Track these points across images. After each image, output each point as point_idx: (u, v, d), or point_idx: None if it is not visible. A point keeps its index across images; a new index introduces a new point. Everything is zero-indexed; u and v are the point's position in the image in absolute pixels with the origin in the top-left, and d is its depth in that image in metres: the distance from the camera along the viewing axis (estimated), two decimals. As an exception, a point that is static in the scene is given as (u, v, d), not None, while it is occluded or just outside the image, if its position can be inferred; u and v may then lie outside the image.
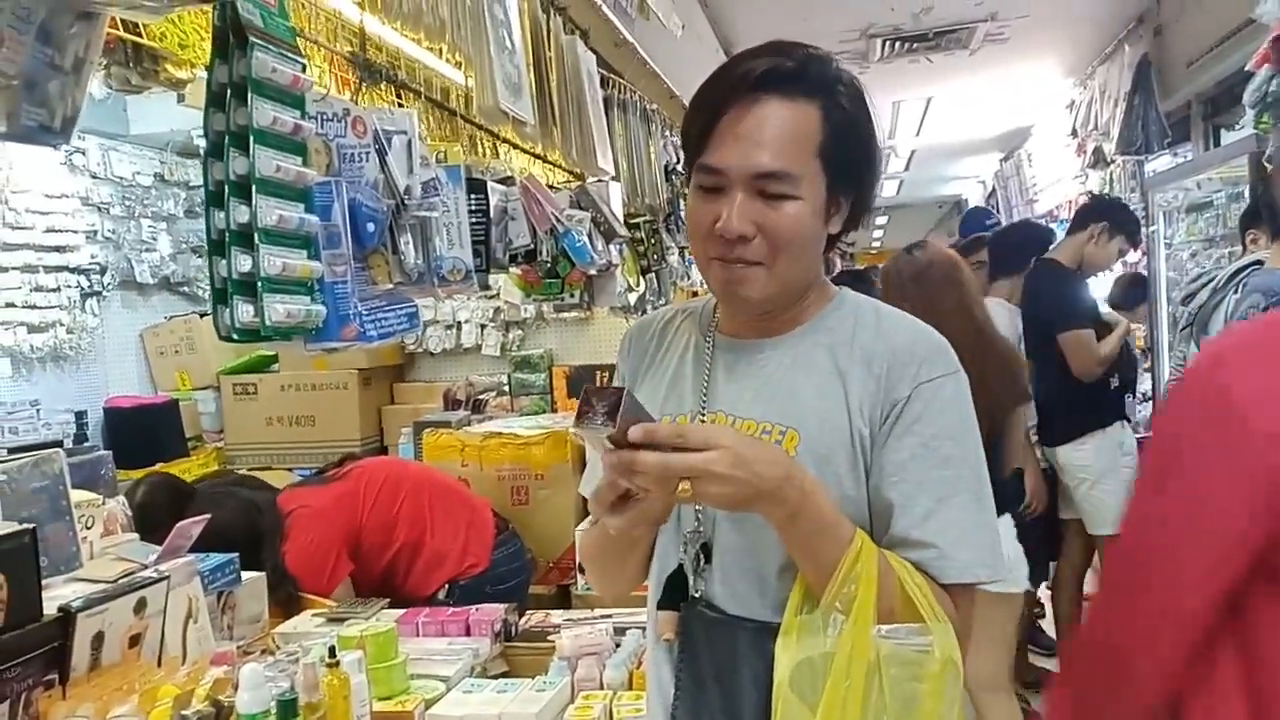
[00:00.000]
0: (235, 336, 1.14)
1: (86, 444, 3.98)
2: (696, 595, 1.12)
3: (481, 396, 4.17)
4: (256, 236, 1.14)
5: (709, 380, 1.16)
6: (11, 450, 3.47)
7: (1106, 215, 3.70)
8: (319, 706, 1.49)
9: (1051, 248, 3.78)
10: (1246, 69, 3.35)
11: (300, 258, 1.18)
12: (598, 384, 4.20)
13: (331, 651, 1.58)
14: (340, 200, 1.24)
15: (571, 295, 2.40)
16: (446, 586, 2.55)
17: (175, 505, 2.62)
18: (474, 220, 1.62)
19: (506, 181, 1.77)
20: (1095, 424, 3.50)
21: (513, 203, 1.77)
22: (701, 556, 1.12)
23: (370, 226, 1.28)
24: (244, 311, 1.13)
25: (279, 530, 2.43)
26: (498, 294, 4.22)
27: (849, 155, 1.10)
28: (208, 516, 2.25)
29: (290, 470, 3.71)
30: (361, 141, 1.31)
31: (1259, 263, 2.63)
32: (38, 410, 3.93)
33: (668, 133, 3.21)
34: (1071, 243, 3.69)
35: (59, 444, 3.76)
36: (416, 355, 4.61)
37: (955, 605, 1.04)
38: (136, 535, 2.38)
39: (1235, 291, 2.61)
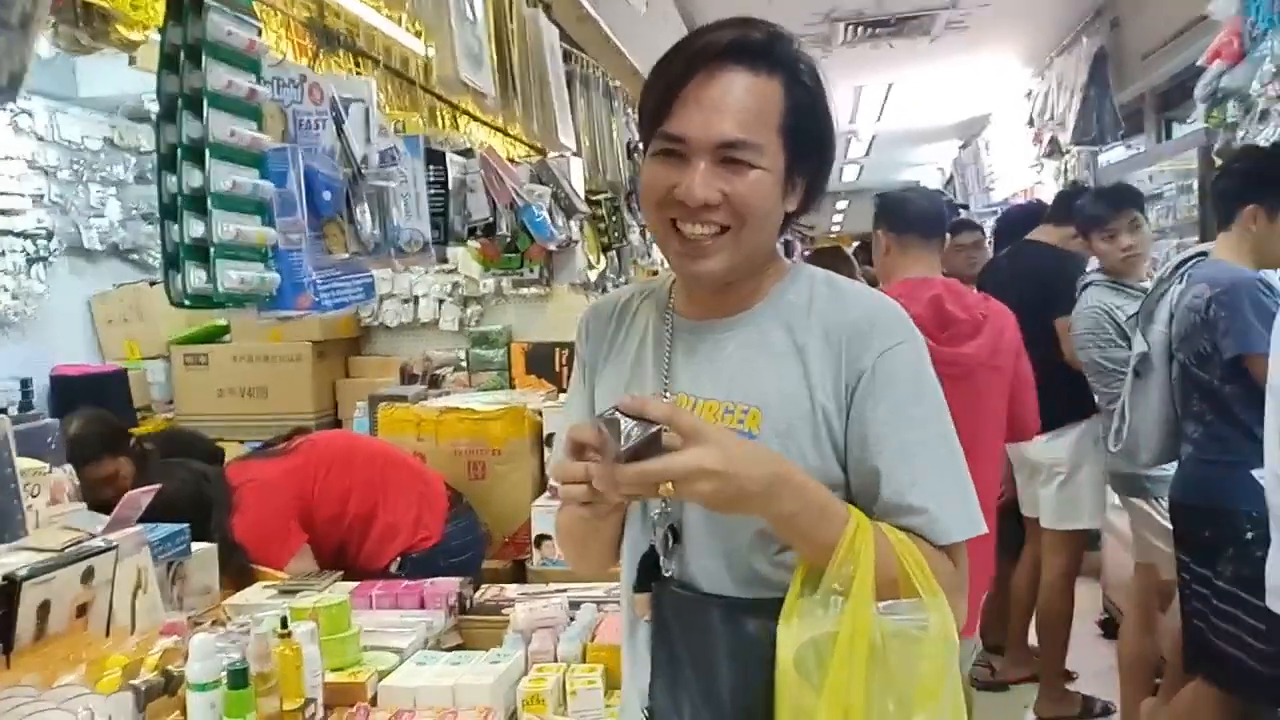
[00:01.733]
0: (187, 303, 1.12)
1: (32, 412, 3.89)
2: (668, 575, 1.13)
3: (439, 371, 4.15)
4: (209, 201, 1.12)
5: (669, 363, 1.17)
6: (-47, 417, 3.38)
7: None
8: (270, 676, 1.49)
9: (1032, 233, 3.75)
10: (1198, 64, 3.42)
11: (254, 224, 1.17)
12: (556, 361, 4.22)
13: (284, 622, 1.58)
14: (295, 167, 1.22)
15: (531, 270, 2.39)
16: (399, 559, 2.54)
17: (110, 440, 2.62)
18: (432, 192, 1.60)
19: (466, 154, 1.76)
20: (1078, 414, 3.44)
21: (472, 175, 1.76)
22: (670, 536, 1.13)
23: (326, 195, 1.27)
24: (196, 277, 1.12)
25: (227, 502, 2.41)
26: (456, 268, 4.19)
27: (808, 133, 1.10)
28: (157, 487, 2.22)
29: (242, 443, 3.66)
30: (318, 108, 1.29)
31: (1204, 254, 2.69)
32: (-20, 377, 3.84)
33: (630, 110, 3.19)
34: (1055, 232, 3.66)
35: (3, 411, 3.69)
36: (372, 329, 4.56)
37: (952, 558, 1.07)
38: (84, 504, 2.34)
39: (1180, 282, 2.66)
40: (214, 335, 4.32)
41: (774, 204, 1.10)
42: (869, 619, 0.99)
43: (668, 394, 1.15)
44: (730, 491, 0.96)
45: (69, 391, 4.16)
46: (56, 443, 2.65)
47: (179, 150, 1.13)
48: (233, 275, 1.12)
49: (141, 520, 2.23)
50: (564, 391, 3.98)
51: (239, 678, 1.43)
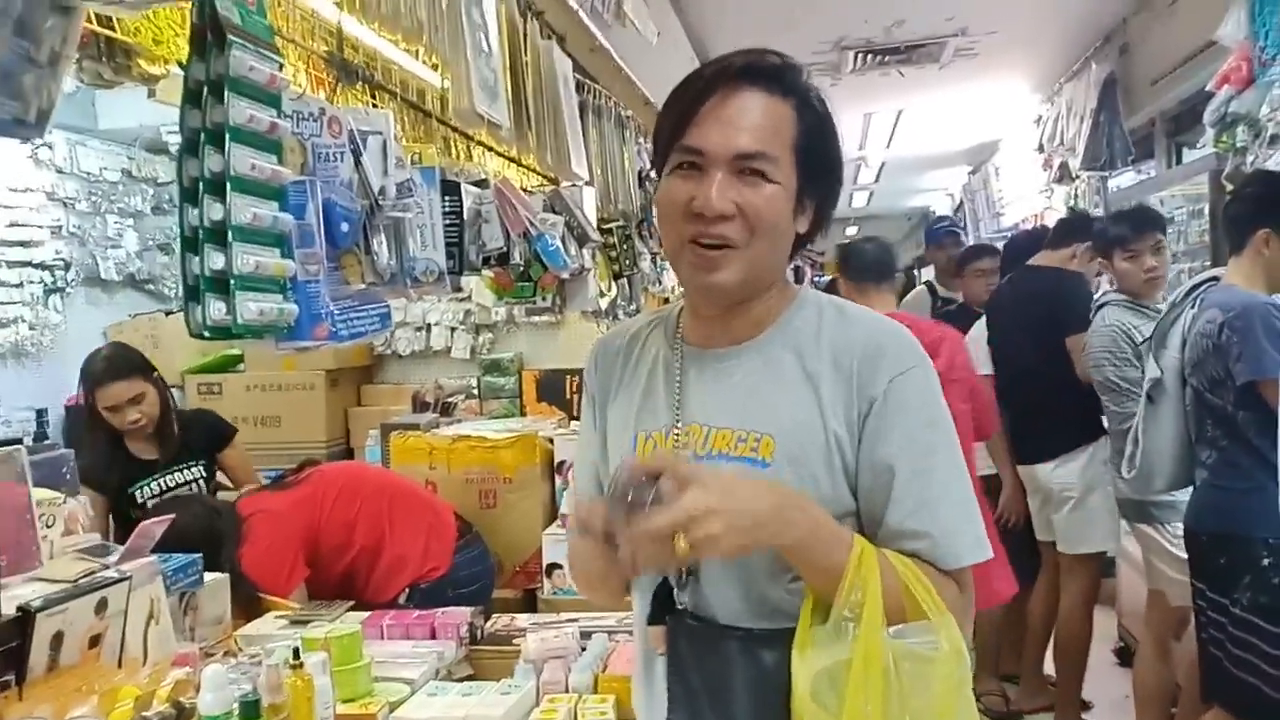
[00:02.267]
0: (206, 334, 1.13)
1: (47, 442, 3.92)
2: (682, 608, 1.13)
3: (450, 399, 4.16)
4: (230, 234, 1.13)
5: (680, 392, 1.18)
6: (-31, 447, 3.41)
7: (1089, 235, 3.64)
8: (282, 708, 1.48)
9: (1032, 259, 3.73)
10: (1207, 89, 3.43)
11: (273, 256, 1.18)
12: (567, 389, 4.22)
13: (296, 653, 1.57)
14: (314, 199, 1.23)
15: (543, 299, 2.40)
16: (408, 590, 2.54)
17: (137, 362, 2.90)
18: (448, 222, 1.62)
19: (481, 184, 1.77)
20: (1088, 437, 3.42)
21: (486, 205, 1.77)
22: (684, 569, 1.12)
23: (344, 226, 1.28)
24: (216, 309, 1.13)
25: (236, 534, 2.43)
26: (469, 296, 4.21)
27: (819, 156, 1.13)
28: (171, 517, 2.23)
29: (256, 471, 3.67)
30: (337, 141, 1.30)
31: (1216, 279, 2.68)
32: (-4, 407, 3.87)
33: (641, 139, 3.22)
34: (1052, 257, 3.65)
35: (19, 441, 3.71)
36: (385, 357, 4.59)
37: (959, 583, 1.09)
38: (98, 535, 2.35)
39: (1192, 307, 2.66)
40: (228, 365, 4.34)
41: (786, 220, 1.12)
42: (880, 644, 1.00)
43: (679, 423, 1.16)
44: (742, 525, 0.97)
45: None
46: (71, 472, 2.67)
47: (200, 184, 1.15)
48: (252, 307, 1.13)
49: (154, 552, 2.25)
50: (575, 419, 3.99)
51: (251, 709, 1.43)
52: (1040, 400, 3.54)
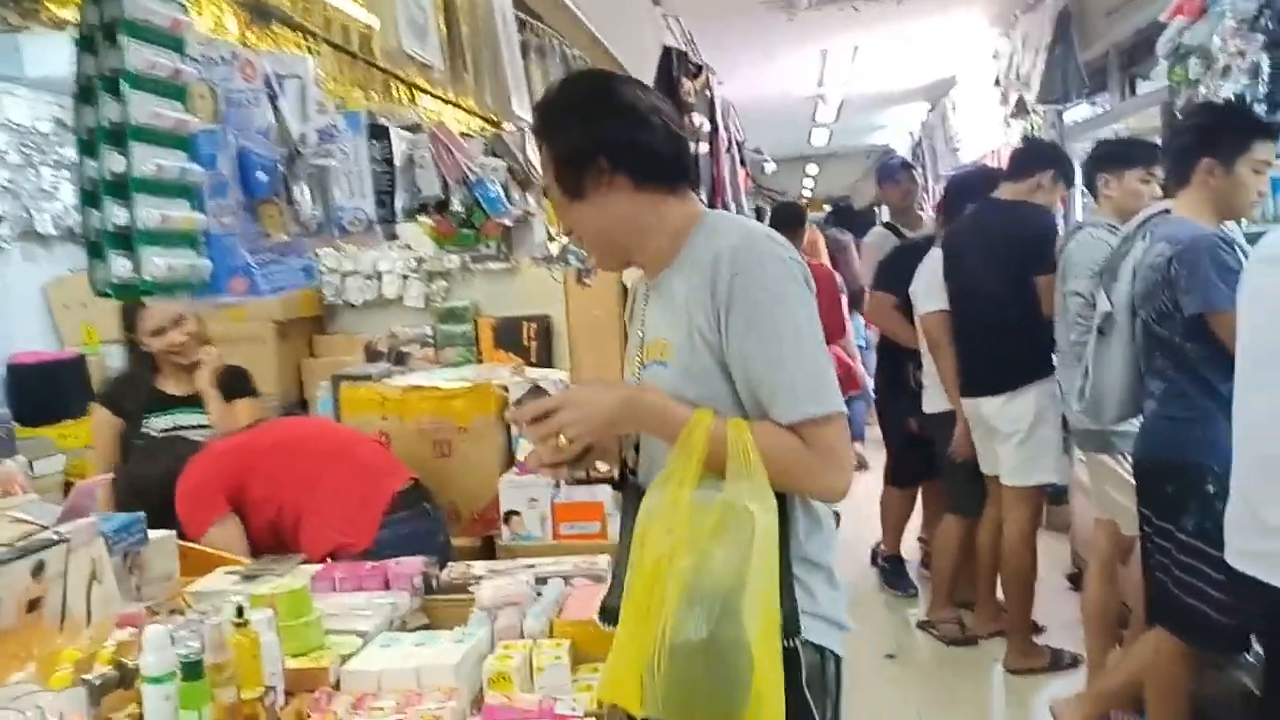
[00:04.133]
0: (110, 292, 1.08)
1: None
2: (632, 476, 1.56)
3: (404, 349, 4.10)
4: (132, 187, 1.07)
5: (644, 314, 1.55)
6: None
7: (1053, 163, 3.63)
8: (226, 666, 1.46)
9: (994, 193, 3.70)
10: (1160, 19, 3.40)
11: (182, 209, 1.12)
12: (524, 335, 4.18)
13: (239, 611, 1.55)
14: (227, 148, 1.17)
15: (488, 246, 2.34)
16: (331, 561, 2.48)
17: None
18: (378, 169, 1.55)
19: (414, 129, 1.70)
20: (1040, 372, 3.44)
21: (420, 151, 1.70)
22: (635, 449, 1.56)
23: (261, 175, 1.22)
24: (121, 266, 1.07)
25: None
26: (409, 245, 4.12)
27: (565, 143, 1.45)
28: (109, 477, 2.20)
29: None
30: (251, 86, 1.23)
31: (1166, 211, 2.69)
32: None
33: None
34: (1014, 189, 3.61)
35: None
36: (337, 307, 4.50)
37: (802, 440, 1.36)
38: (36, 496, 2.30)
39: (1142, 239, 2.67)
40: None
41: (588, 214, 1.47)
42: (679, 497, 1.35)
43: (642, 334, 1.54)
44: (595, 423, 1.39)
45: (26, 380, 4.08)
46: (6, 433, 2.62)
47: (98, 133, 1.08)
48: (159, 263, 1.07)
49: (123, 508, 2.23)
50: (533, 365, 3.96)
51: (193, 669, 1.41)
52: (994, 337, 3.56)
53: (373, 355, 3.99)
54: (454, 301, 4.35)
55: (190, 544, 2.43)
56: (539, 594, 2.01)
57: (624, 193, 1.45)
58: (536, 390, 1.40)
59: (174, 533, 2.23)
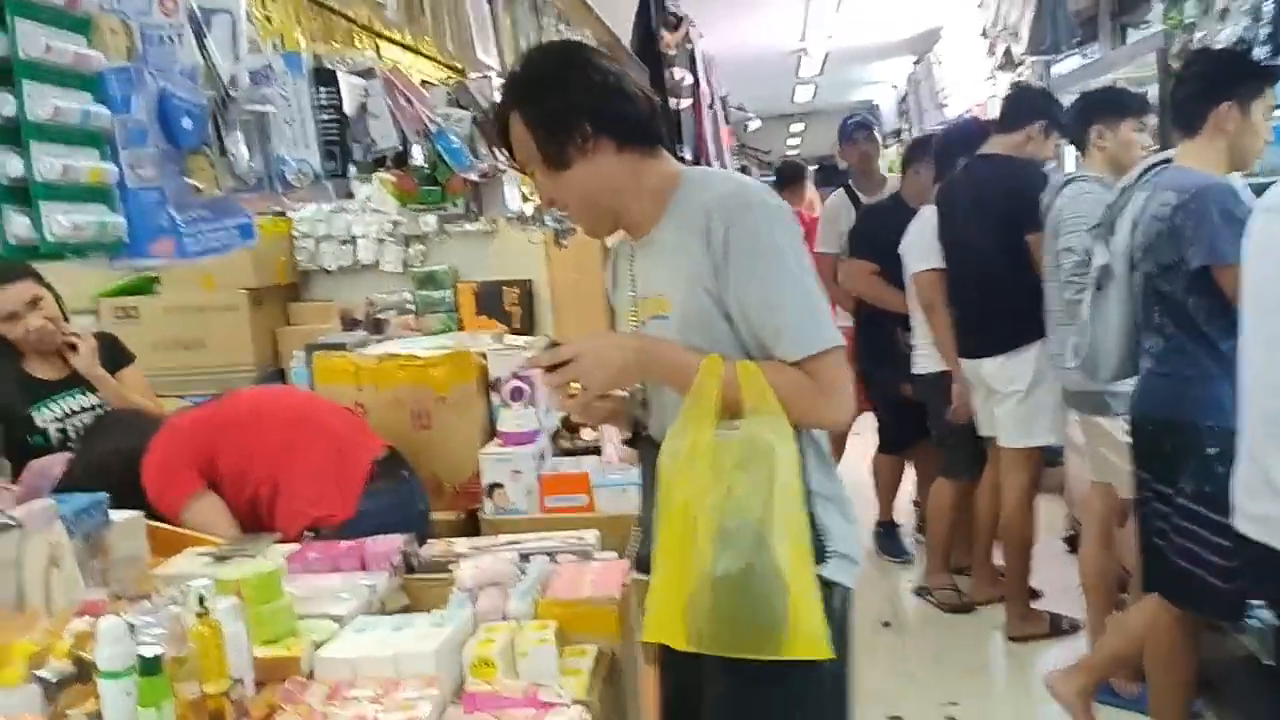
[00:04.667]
0: (6, 253, 0.95)
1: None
2: (644, 432, 1.64)
3: (382, 316, 3.98)
4: (26, 133, 0.94)
5: (632, 273, 1.62)
6: None
7: (1045, 112, 3.51)
8: (187, 659, 1.37)
9: (985, 146, 3.59)
10: (1156, -38, 3.29)
11: (89, 159, 0.99)
12: (506, 301, 4.07)
13: (201, 600, 1.45)
14: (144, 90, 1.03)
15: (454, 205, 2.21)
16: (313, 536, 2.38)
17: (26, 267, 2.60)
18: (325, 117, 1.42)
19: (366, 73, 1.57)
20: (1038, 332, 3.35)
21: (374, 99, 1.58)
22: (643, 406, 1.64)
23: (186, 122, 1.08)
24: (18, 224, 0.94)
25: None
26: (372, 208, 3.98)
27: (545, 112, 1.49)
28: (68, 455, 2.08)
29: (182, 398, 3.48)
30: (171, 21, 1.09)
31: (1167, 161, 2.59)
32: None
33: (563, 26, 2.97)
34: (1006, 142, 3.50)
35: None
36: (312, 273, 4.36)
37: (808, 373, 1.45)
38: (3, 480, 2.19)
39: (1143, 190, 2.57)
40: (143, 286, 4.10)
41: (570, 184, 1.51)
42: (701, 436, 1.42)
43: (633, 294, 1.61)
44: (607, 372, 1.47)
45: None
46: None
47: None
48: (63, 220, 0.94)
49: (95, 479, 2.10)
50: (516, 331, 3.85)
51: (151, 664, 1.31)
52: (991, 296, 3.48)
53: (350, 323, 3.88)
54: (432, 266, 4.22)
55: (160, 524, 2.33)
56: (523, 572, 1.92)
57: (607, 156, 1.50)
58: (555, 346, 1.46)
59: (142, 513, 2.12)
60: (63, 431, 2.65)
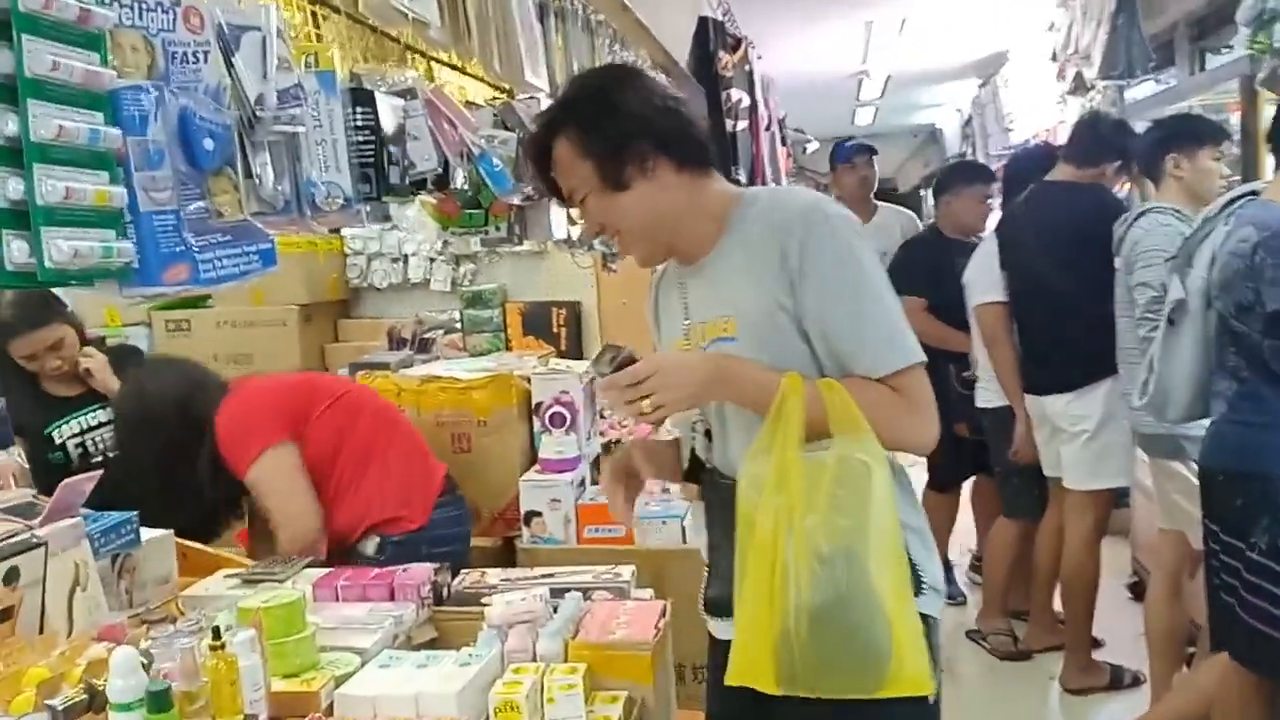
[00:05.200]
0: (2, 280, 0.91)
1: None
2: (709, 467, 1.53)
3: (429, 335, 3.96)
4: (29, 154, 0.90)
5: (684, 300, 1.55)
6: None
7: (1121, 152, 3.34)
8: (198, 695, 1.31)
9: (1053, 173, 3.43)
10: (1238, -15, 3.13)
11: (95, 181, 0.94)
12: (554, 322, 4.02)
13: (216, 633, 1.40)
14: (162, 109, 0.99)
15: (497, 228, 2.15)
16: (379, 541, 2.34)
17: (52, 303, 2.65)
18: (360, 138, 1.37)
19: (407, 94, 1.52)
20: (1109, 369, 3.17)
21: (414, 120, 1.53)
22: (707, 437, 1.54)
23: (208, 143, 1.04)
24: (16, 250, 0.89)
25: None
26: (395, 226, 3.95)
27: (605, 132, 1.42)
28: (98, 474, 2.04)
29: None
30: (197, 38, 1.05)
31: (1254, 193, 2.44)
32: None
33: (616, 47, 2.93)
34: (1080, 175, 3.33)
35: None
36: (362, 290, 4.38)
37: (895, 389, 1.39)
38: (31, 491, 2.18)
39: (1225, 223, 2.43)
40: (196, 301, 4.14)
41: (624, 207, 1.45)
42: (788, 457, 1.33)
43: (688, 322, 1.54)
44: (681, 393, 1.37)
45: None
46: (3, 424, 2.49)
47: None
48: (64, 246, 0.89)
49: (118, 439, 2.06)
50: (563, 355, 3.79)
51: (159, 700, 1.26)
52: (1060, 329, 3.32)
53: (396, 342, 3.86)
54: (481, 285, 4.20)
55: (191, 543, 2.30)
56: (555, 610, 1.84)
57: (667, 178, 1.46)
58: (614, 349, 1.34)
59: (171, 532, 2.09)
60: (81, 447, 2.68)
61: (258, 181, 1.13)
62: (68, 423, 2.67)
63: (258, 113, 1.11)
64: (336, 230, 1.84)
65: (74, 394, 2.70)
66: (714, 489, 1.51)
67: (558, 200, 1.53)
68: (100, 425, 2.70)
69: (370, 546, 2.35)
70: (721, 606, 1.45)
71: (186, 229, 1.02)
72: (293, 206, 1.22)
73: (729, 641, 1.45)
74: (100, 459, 2.67)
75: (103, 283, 0.97)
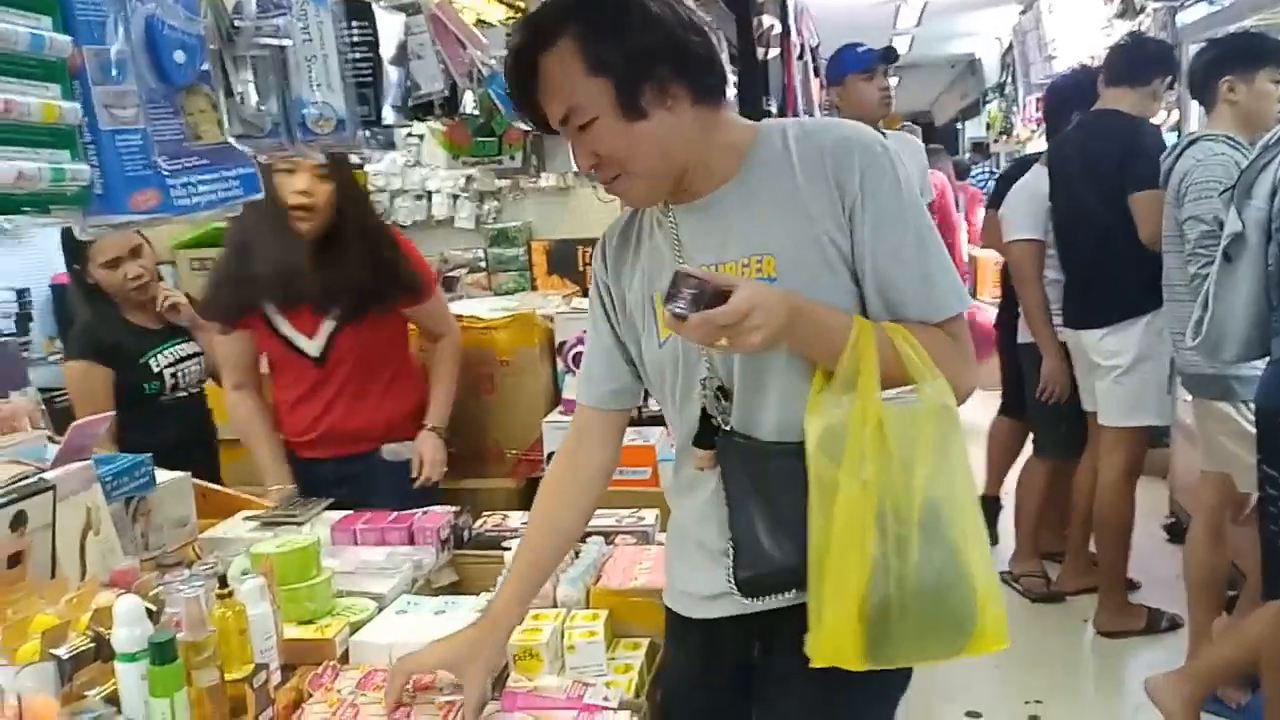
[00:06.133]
0: None
1: (30, 325, 3.72)
2: (728, 429, 1.32)
3: (453, 273, 3.89)
4: None
5: (680, 243, 1.33)
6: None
7: (1170, 67, 3.19)
8: (205, 645, 1.27)
9: (1100, 101, 3.29)
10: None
11: (41, 94, 0.84)
12: (579, 260, 3.92)
13: (222, 581, 1.36)
14: (123, 16, 0.90)
15: (512, 158, 2.04)
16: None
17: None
18: (357, 55, 1.27)
19: (409, 9, 1.41)
20: (1148, 305, 3.08)
21: (418, 37, 1.42)
22: (720, 396, 1.32)
23: (179, 55, 0.93)
24: None
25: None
26: (412, 154, 3.84)
27: (624, 49, 1.22)
28: (111, 415, 2.01)
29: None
30: None
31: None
32: (-29, 289, 3.64)
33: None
34: (1126, 97, 3.19)
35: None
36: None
37: (951, 334, 1.28)
38: (46, 433, 2.14)
39: (1287, 152, 2.28)
40: (219, 239, 4.08)
41: (630, 135, 1.24)
42: (873, 404, 1.20)
43: (687, 261, 1.31)
44: (772, 329, 1.16)
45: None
46: (17, 362, 2.46)
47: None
48: (5, 167, 0.82)
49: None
50: (586, 293, 3.70)
51: (164, 651, 1.22)
52: (1100, 262, 3.22)
53: (419, 280, 3.78)
54: (506, 223, 4.10)
55: (211, 485, 2.28)
56: (576, 554, 1.80)
57: (684, 105, 1.27)
58: (690, 280, 1.12)
59: (189, 475, 2.05)
60: (174, 377, 2.61)
61: (239, 100, 1.04)
62: (163, 351, 2.61)
63: (236, 22, 1.01)
64: (332, 157, 1.78)
65: (157, 326, 2.64)
66: (737, 453, 1.31)
67: (534, 125, 1.33)
68: (189, 357, 2.65)
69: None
70: (762, 585, 1.29)
71: (156, 151, 0.93)
72: (281, 129, 1.12)
73: (737, 618, 1.36)
74: (186, 394, 2.63)
75: (62, 210, 0.89)
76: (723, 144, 1.31)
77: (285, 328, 2.37)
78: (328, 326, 2.36)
